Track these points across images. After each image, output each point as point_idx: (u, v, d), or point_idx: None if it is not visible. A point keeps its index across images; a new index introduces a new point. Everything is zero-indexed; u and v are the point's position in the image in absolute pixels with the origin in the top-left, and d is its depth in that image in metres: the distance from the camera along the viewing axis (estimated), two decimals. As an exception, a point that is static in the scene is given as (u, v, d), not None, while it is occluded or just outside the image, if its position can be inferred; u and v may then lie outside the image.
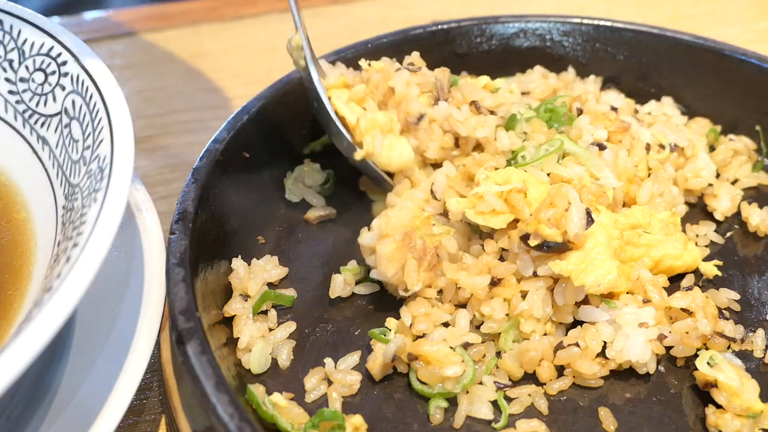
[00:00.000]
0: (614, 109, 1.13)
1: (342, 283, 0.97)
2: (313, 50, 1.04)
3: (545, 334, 0.90)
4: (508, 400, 0.86)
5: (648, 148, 1.09)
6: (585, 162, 1.00)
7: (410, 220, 0.92)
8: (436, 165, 1.05)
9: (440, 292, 0.94)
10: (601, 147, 1.03)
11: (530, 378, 0.89)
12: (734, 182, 1.15)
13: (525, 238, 0.88)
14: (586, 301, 0.91)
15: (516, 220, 0.93)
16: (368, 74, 1.06)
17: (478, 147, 1.05)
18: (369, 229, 0.93)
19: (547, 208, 0.89)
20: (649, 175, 1.07)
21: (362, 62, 1.09)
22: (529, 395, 0.86)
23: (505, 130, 1.04)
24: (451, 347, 0.87)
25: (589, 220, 0.89)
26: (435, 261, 0.92)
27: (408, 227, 0.91)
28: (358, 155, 1.02)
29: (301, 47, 1.03)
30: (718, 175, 1.15)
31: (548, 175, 1.00)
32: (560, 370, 0.89)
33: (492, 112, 1.04)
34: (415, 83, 1.06)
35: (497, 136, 1.03)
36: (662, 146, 1.12)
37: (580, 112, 1.11)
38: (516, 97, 1.10)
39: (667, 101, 1.26)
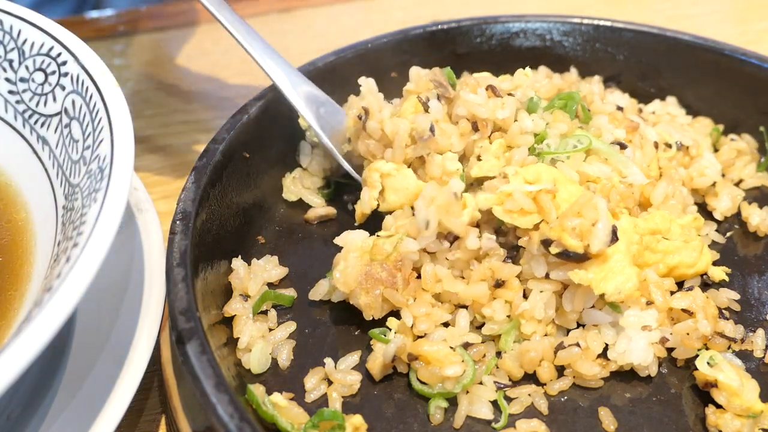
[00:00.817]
0: (620, 108, 1.13)
1: (326, 289, 0.96)
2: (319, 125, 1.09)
3: (546, 335, 0.90)
4: (508, 400, 0.86)
5: (656, 146, 1.09)
6: (611, 160, 0.99)
7: (362, 263, 0.90)
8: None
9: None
10: (623, 146, 1.02)
11: (530, 378, 0.88)
12: (738, 182, 1.15)
13: (546, 243, 0.87)
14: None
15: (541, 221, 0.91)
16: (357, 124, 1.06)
17: (498, 132, 1.02)
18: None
19: (573, 216, 0.87)
20: (660, 176, 1.07)
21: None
22: (529, 395, 0.86)
23: (527, 113, 1.02)
24: (451, 347, 0.86)
25: (614, 238, 0.87)
26: (408, 272, 0.91)
27: (364, 269, 0.90)
28: (358, 220, 1.05)
29: (308, 127, 1.11)
30: (723, 175, 1.14)
31: (575, 173, 0.98)
32: (560, 371, 0.88)
33: (510, 95, 1.02)
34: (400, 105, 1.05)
35: (519, 117, 1.00)
36: (668, 145, 1.11)
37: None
38: (531, 81, 1.08)
39: (672, 101, 1.25)
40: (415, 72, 1.09)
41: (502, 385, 0.86)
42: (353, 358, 0.89)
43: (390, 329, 0.90)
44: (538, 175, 0.92)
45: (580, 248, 0.86)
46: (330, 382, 0.87)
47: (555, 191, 0.89)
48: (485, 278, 0.90)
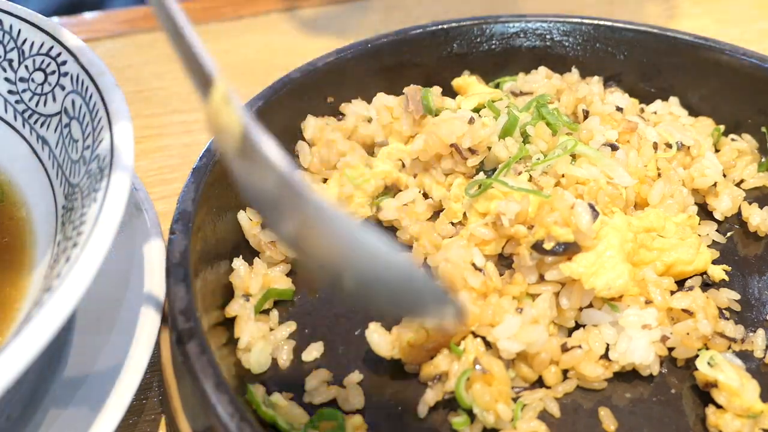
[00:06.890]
0: (619, 109, 1.13)
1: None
2: None
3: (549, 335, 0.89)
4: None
5: (655, 147, 1.08)
6: (597, 163, 1.00)
7: (414, 348, 0.86)
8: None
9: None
10: (614, 147, 1.02)
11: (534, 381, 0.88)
12: (739, 183, 1.15)
13: (538, 246, 0.88)
14: (588, 303, 0.91)
15: (509, 239, 0.95)
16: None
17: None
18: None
19: (548, 213, 0.88)
20: (659, 176, 1.07)
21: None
22: (541, 399, 0.85)
23: (501, 138, 1.04)
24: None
25: (594, 213, 0.89)
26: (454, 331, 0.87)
27: (421, 350, 0.86)
28: None
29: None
30: (724, 175, 1.14)
31: (563, 176, 0.99)
32: (564, 373, 0.88)
33: (473, 151, 1.03)
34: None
35: (493, 147, 1.03)
36: (669, 145, 1.11)
37: (586, 114, 1.10)
38: (491, 129, 1.04)
39: (674, 101, 1.25)
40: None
41: (519, 389, 0.86)
42: (353, 358, 0.89)
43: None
44: (490, 199, 0.96)
45: (570, 234, 0.87)
46: (331, 383, 0.87)
47: (499, 218, 0.92)
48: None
